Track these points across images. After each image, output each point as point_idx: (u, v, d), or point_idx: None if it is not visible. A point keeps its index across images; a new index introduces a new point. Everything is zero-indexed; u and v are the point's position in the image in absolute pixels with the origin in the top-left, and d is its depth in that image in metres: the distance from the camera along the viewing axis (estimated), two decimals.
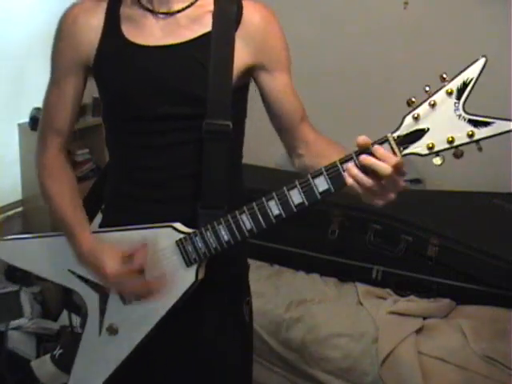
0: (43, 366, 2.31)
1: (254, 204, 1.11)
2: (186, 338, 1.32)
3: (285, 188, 1.07)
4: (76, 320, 2.55)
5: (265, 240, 2.46)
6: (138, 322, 1.25)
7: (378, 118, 3.13)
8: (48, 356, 2.33)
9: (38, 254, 1.36)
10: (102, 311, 1.29)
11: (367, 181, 1.00)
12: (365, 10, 3.09)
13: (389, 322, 2.18)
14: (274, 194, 1.08)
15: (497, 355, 2.00)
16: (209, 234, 1.16)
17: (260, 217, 1.11)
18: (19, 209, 2.77)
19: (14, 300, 2.57)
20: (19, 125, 2.70)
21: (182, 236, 1.19)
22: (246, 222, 1.12)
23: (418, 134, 0.97)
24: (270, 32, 1.22)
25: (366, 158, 0.99)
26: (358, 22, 3.10)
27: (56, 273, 1.35)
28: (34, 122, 2.63)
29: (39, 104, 2.63)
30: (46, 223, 2.55)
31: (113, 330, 1.28)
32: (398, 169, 0.98)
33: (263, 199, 1.09)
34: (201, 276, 1.21)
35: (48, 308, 2.71)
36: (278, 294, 2.33)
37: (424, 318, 2.21)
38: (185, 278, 1.20)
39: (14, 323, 2.47)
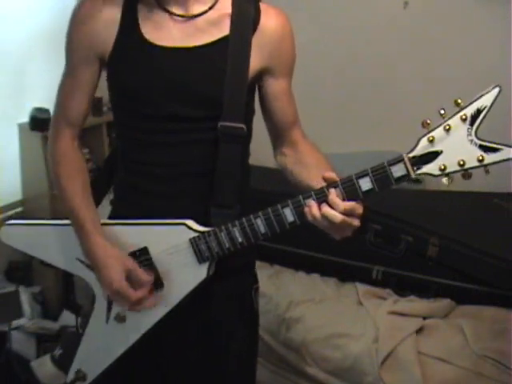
0: (43, 366, 2.31)
1: (270, 210, 1.16)
2: (194, 322, 1.33)
3: (300, 196, 1.12)
4: (78, 320, 2.55)
5: (265, 240, 2.46)
6: (146, 312, 1.26)
7: (377, 118, 3.14)
8: (48, 356, 2.33)
9: (46, 241, 1.35)
10: (111, 300, 1.29)
11: (324, 223, 1.09)
12: (364, 9, 3.09)
13: (389, 322, 2.18)
14: (289, 201, 1.14)
15: (497, 355, 2.00)
16: (223, 235, 1.20)
17: (275, 223, 1.16)
18: (19, 209, 2.77)
19: (14, 300, 2.57)
20: (19, 125, 2.69)
21: (195, 234, 1.22)
22: (261, 226, 1.17)
23: (432, 156, 1.03)
24: (284, 38, 1.26)
25: (323, 207, 1.09)
26: (358, 21, 3.09)
27: (64, 260, 1.34)
28: (34, 121, 2.63)
29: (39, 104, 2.65)
30: None
31: (120, 318, 1.29)
32: (348, 213, 1.07)
33: (278, 206, 1.15)
34: (211, 272, 1.24)
35: (48, 308, 2.71)
36: (278, 294, 2.33)
37: (424, 318, 2.21)
38: (196, 273, 1.24)
39: (14, 323, 2.47)
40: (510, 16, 2.65)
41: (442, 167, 1.02)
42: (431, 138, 1.02)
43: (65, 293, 2.79)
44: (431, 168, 1.03)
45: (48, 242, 1.35)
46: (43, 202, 2.68)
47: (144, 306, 1.23)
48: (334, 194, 1.08)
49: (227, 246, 1.20)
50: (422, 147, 1.03)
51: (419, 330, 2.14)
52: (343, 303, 2.32)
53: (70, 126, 1.30)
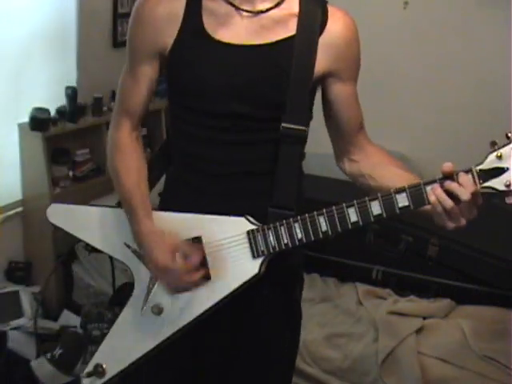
0: (43, 365, 2.31)
1: (334, 208, 1.15)
2: (234, 321, 1.31)
3: (366, 198, 1.13)
4: (76, 320, 2.55)
5: None
6: (185, 306, 1.24)
7: (377, 118, 3.14)
8: (48, 356, 2.33)
9: (93, 223, 1.34)
10: (150, 289, 1.28)
11: (449, 201, 1.08)
12: (365, 9, 3.09)
13: (389, 322, 2.18)
14: (354, 201, 1.14)
15: (497, 355, 2.00)
16: (283, 229, 1.18)
17: (337, 221, 1.15)
18: (19, 209, 2.76)
19: (14, 300, 2.57)
20: (19, 125, 2.69)
21: (254, 227, 1.20)
22: (323, 223, 1.16)
23: (498, 172, 1.06)
24: (351, 41, 1.25)
25: (450, 183, 1.08)
26: (358, 21, 3.08)
27: (110, 244, 1.32)
28: (34, 121, 2.62)
29: (39, 104, 2.65)
30: (47, 223, 2.54)
31: (157, 310, 1.26)
32: (475, 197, 1.07)
33: (343, 205, 1.15)
34: (263, 270, 1.21)
35: (48, 308, 2.71)
36: None
37: (424, 318, 2.22)
38: (248, 268, 1.21)
39: (14, 323, 2.47)
40: (510, 18, 2.65)
41: (508, 183, 1.05)
42: (499, 155, 1.05)
43: (65, 293, 2.79)
44: (497, 182, 1.06)
45: (95, 225, 1.33)
46: (43, 202, 2.67)
47: (195, 279, 1.20)
48: (465, 176, 1.07)
49: (285, 241, 1.18)
50: (490, 162, 1.07)
51: (419, 330, 2.15)
52: (343, 303, 2.33)
53: (129, 117, 1.30)
